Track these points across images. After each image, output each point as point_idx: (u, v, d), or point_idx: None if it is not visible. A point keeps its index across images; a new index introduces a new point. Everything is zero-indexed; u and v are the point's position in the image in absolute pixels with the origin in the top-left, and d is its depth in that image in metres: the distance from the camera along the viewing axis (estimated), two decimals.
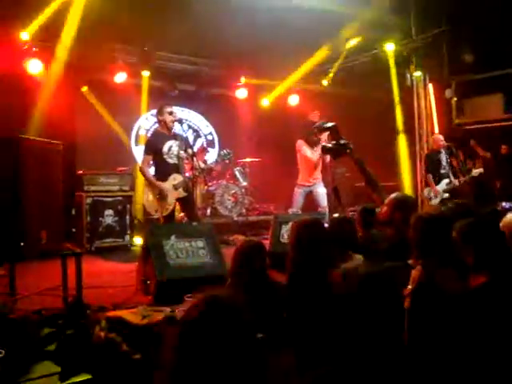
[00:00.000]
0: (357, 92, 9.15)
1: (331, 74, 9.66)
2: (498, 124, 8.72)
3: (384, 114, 8.89)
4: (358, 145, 8.86)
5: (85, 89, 8.24)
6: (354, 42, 8.86)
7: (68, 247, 3.87)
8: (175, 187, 5.35)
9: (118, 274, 5.40)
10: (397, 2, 7.93)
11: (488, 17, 7.54)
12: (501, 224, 3.39)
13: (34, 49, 7.41)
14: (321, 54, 9.09)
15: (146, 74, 8.73)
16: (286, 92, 10.39)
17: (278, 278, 3.15)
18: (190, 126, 10.20)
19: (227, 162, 7.12)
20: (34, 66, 7.40)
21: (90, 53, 7.65)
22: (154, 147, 5.42)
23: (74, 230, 6.95)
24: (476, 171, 7.55)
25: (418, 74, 8.78)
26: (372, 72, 8.93)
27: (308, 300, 2.59)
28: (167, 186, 5.34)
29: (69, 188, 7.07)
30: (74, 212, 6.98)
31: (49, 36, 7.41)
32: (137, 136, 9.44)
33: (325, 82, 9.90)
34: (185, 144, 5.55)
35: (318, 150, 6.95)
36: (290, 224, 5.44)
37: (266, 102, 10.58)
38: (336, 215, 3.81)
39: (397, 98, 8.92)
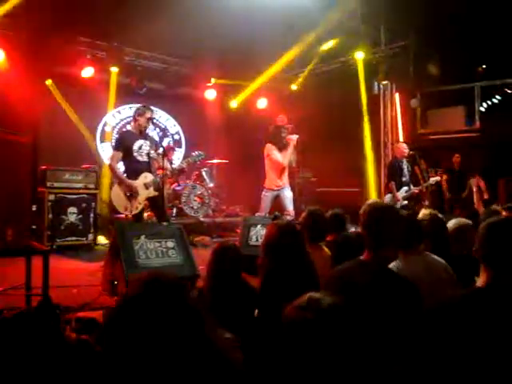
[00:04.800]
0: (325, 97, 9.27)
1: (301, 79, 9.79)
2: (459, 135, 9.05)
3: (351, 120, 9.05)
4: (324, 149, 9.07)
5: (49, 82, 7.99)
6: (327, 46, 8.98)
7: (34, 245, 3.74)
8: (146, 186, 5.27)
9: (81, 274, 5.26)
10: (367, 12, 8.10)
11: (453, 32, 7.83)
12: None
13: None
14: (290, 56, 9.17)
15: (114, 69, 8.55)
16: (254, 94, 10.44)
17: (247, 280, 3.15)
18: (157, 125, 10.08)
19: (198, 163, 7.06)
20: None
21: (56, 45, 7.44)
22: (124, 144, 5.33)
23: (34, 227, 6.72)
24: (433, 179, 7.75)
25: (385, 82, 8.98)
26: (341, 79, 9.09)
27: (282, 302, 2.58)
28: (138, 184, 5.25)
29: (30, 183, 6.83)
30: (35, 208, 6.75)
31: (12, 24, 7.16)
32: (102, 133, 9.24)
33: (294, 87, 10.01)
34: (154, 145, 5.49)
35: (287, 153, 7.02)
36: (259, 226, 5.54)
37: (234, 103, 10.60)
38: (310, 208, 3.83)
39: (364, 107, 9.08)
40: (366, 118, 9.08)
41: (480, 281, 1.74)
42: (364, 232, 2.26)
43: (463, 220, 3.47)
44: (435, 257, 2.69)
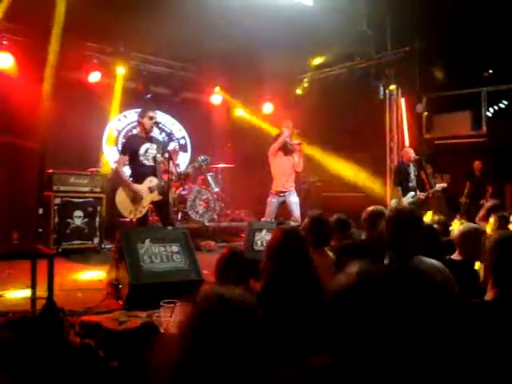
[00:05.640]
0: (330, 102, 9.27)
1: (305, 84, 9.81)
2: (466, 140, 9.01)
3: (357, 124, 9.04)
4: (330, 154, 9.06)
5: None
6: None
7: (40, 248, 3.76)
8: (151, 190, 5.29)
9: (86, 277, 5.29)
10: (373, 17, 8.09)
11: (460, 36, 7.80)
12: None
13: (4, 42, 7.23)
14: None
15: (120, 71, 8.57)
16: (260, 99, 10.48)
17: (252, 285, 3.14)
18: (162, 130, 10.11)
19: (204, 167, 7.09)
20: (4, 60, 7.20)
21: (64, 50, 7.48)
22: (130, 148, 5.36)
23: (40, 230, 6.75)
24: (439, 185, 7.71)
25: (391, 87, 8.96)
26: (346, 83, 9.08)
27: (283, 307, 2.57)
28: (143, 188, 5.27)
29: (39, 187, 6.86)
30: (41, 212, 6.78)
31: (20, 30, 7.23)
32: (109, 137, 9.28)
33: (298, 91, 10.02)
34: (162, 148, 5.51)
35: (292, 157, 7.06)
36: (264, 231, 5.54)
37: (240, 111, 10.71)
38: (313, 212, 3.83)
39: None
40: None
41: (488, 294, 1.73)
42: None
43: (470, 225, 3.45)
44: (426, 260, 2.66)
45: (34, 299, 3.59)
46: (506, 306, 1.62)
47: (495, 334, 1.53)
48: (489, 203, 6.62)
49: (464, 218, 7.55)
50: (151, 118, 5.38)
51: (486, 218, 5.71)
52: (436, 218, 4.54)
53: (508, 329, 1.54)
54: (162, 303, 3.16)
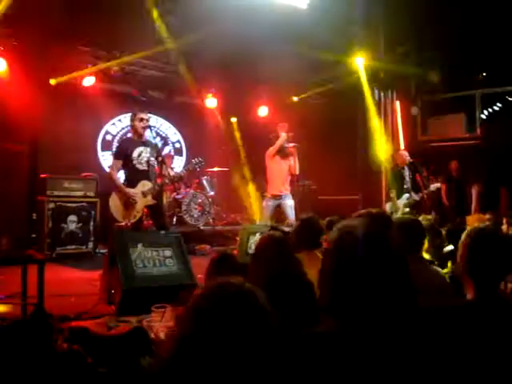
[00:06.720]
0: (326, 105, 9.28)
1: (304, 94, 9.80)
2: (460, 143, 9.04)
3: (352, 127, 9.04)
4: (325, 158, 9.05)
5: (53, 82, 7.92)
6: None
7: (30, 253, 3.73)
8: (144, 194, 5.26)
9: (80, 283, 5.25)
10: (367, 20, 8.11)
11: (454, 39, 7.83)
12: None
13: None
14: None
15: (115, 75, 8.55)
16: (255, 103, 10.46)
17: None
18: (157, 134, 10.09)
19: (198, 170, 7.07)
20: None
21: (57, 54, 7.47)
22: (123, 152, 5.33)
23: (34, 235, 6.72)
24: (433, 186, 7.73)
25: (386, 90, 8.99)
26: (341, 87, 9.08)
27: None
28: (136, 192, 5.24)
29: (30, 192, 6.83)
30: (35, 217, 6.75)
31: (13, 33, 7.21)
32: (103, 141, 9.26)
33: (295, 99, 10.01)
34: (155, 151, 5.48)
35: (288, 160, 7.06)
36: (258, 235, 5.50)
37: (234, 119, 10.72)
38: (303, 215, 3.82)
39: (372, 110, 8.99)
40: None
41: (468, 294, 1.71)
42: None
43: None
44: (426, 265, 2.65)
45: (24, 305, 3.55)
46: (486, 307, 1.60)
47: (478, 336, 1.51)
48: (474, 193, 6.60)
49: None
50: (142, 120, 5.36)
51: (479, 207, 5.69)
52: (429, 219, 4.51)
53: (489, 330, 1.52)
54: (152, 308, 3.14)
